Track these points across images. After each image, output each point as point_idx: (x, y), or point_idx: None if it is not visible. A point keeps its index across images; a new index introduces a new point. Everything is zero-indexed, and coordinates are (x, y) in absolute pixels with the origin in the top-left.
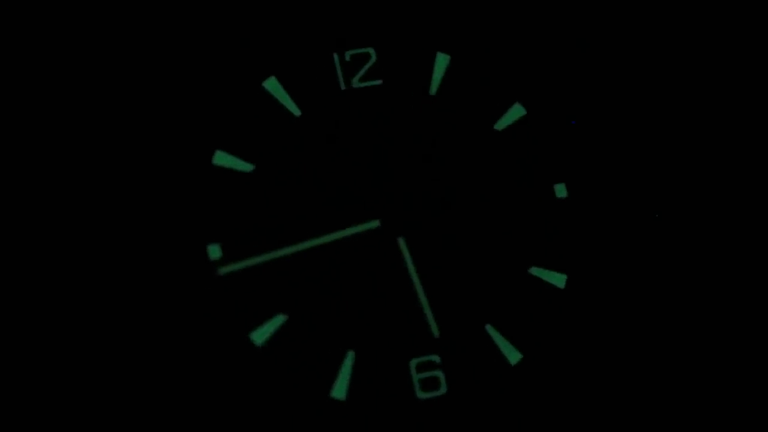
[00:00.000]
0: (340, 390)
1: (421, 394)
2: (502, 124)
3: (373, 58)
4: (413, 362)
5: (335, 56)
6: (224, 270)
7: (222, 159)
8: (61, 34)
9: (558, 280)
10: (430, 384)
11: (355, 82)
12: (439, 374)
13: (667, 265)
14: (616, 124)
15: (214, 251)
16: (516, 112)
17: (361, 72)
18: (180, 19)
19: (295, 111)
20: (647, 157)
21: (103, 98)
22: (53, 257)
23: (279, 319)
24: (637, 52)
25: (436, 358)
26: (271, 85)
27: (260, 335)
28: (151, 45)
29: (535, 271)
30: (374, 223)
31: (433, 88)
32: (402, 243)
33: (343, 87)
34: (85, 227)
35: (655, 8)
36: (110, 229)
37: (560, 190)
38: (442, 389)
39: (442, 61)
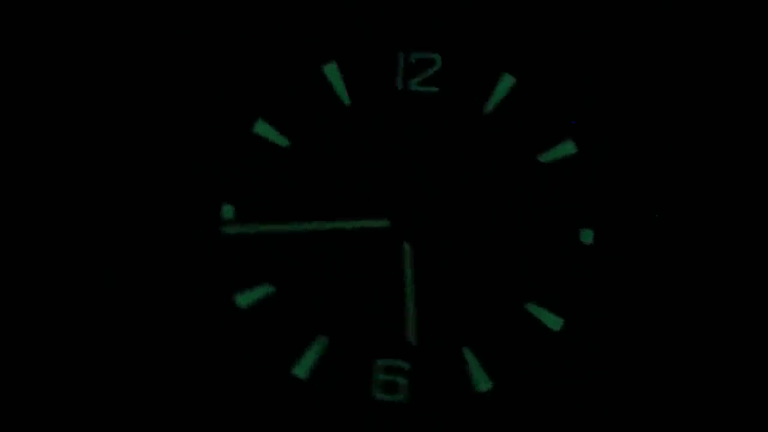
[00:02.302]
0: (302, 369)
1: (379, 395)
2: (547, 157)
3: (438, 65)
4: (381, 362)
5: (401, 55)
6: (229, 230)
7: (262, 128)
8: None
9: (554, 322)
10: (390, 387)
11: (413, 85)
12: (403, 381)
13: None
14: (659, 181)
15: (228, 211)
16: (566, 148)
17: (422, 76)
18: None
19: (346, 100)
20: (680, 218)
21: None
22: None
23: (266, 289)
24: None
25: (404, 365)
26: (330, 70)
27: (245, 299)
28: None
29: (532, 308)
30: (384, 222)
31: (489, 107)
32: (407, 248)
33: (400, 87)
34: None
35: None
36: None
37: (587, 236)
38: (401, 396)
39: (505, 82)
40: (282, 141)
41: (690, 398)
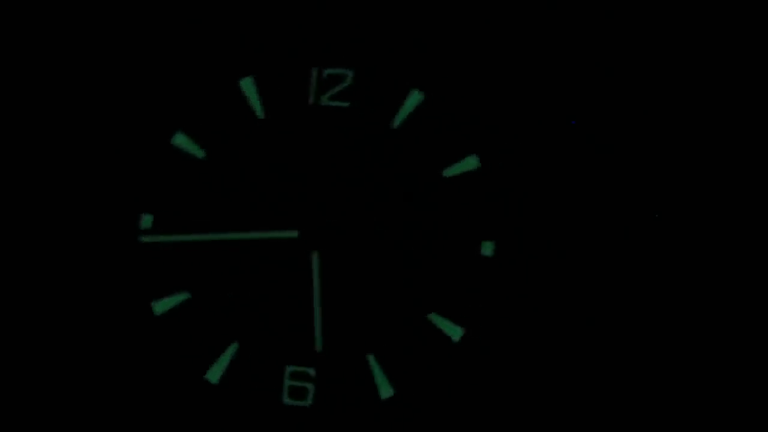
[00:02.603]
0: (214, 374)
1: (287, 400)
2: (451, 171)
3: (349, 81)
4: (289, 369)
5: (314, 70)
6: (147, 238)
7: (180, 140)
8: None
9: (454, 332)
10: (298, 393)
11: (324, 100)
12: (310, 387)
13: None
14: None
15: (146, 220)
16: (469, 163)
17: (333, 91)
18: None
19: (260, 113)
20: (596, 234)
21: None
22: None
23: (182, 296)
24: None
25: (311, 371)
26: (246, 84)
27: (161, 306)
28: (143, 30)
29: (434, 317)
30: (293, 233)
31: (397, 122)
32: (315, 258)
33: (312, 101)
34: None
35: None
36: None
37: (487, 248)
38: (308, 401)
39: (414, 98)
40: (199, 152)
41: (590, 405)
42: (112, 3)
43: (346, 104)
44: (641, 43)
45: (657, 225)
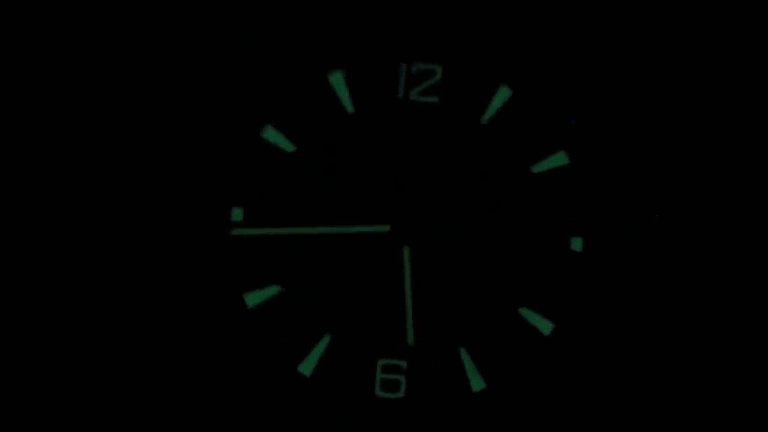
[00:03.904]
0: (307, 366)
1: (380, 393)
2: (540, 167)
3: (438, 76)
4: (381, 362)
5: (403, 65)
6: (238, 232)
7: (270, 134)
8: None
9: (544, 326)
10: (390, 386)
11: (414, 95)
12: (402, 379)
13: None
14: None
15: (237, 214)
16: (558, 159)
17: (422, 86)
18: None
19: (350, 108)
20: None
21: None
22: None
23: (273, 289)
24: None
25: (403, 364)
26: (336, 79)
27: (253, 298)
28: (235, 21)
29: (524, 312)
30: (385, 228)
31: (486, 118)
32: (406, 252)
33: (401, 96)
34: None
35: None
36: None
37: (576, 244)
38: (400, 393)
39: (502, 94)
40: (288, 146)
41: (679, 401)
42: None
43: (435, 99)
44: (724, 37)
45: (747, 221)
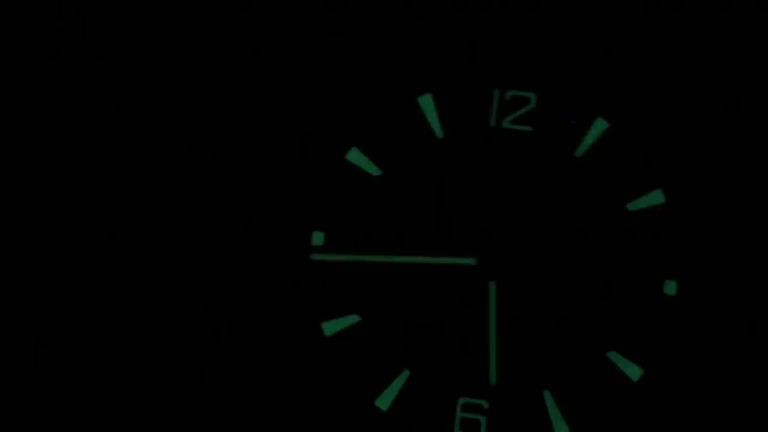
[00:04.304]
0: (384, 401)
1: None
2: (636, 205)
3: (532, 104)
4: (462, 400)
5: (496, 92)
6: (318, 257)
7: (355, 157)
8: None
9: (633, 371)
10: (470, 426)
11: (506, 123)
12: (482, 420)
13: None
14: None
15: (318, 238)
16: (654, 198)
17: (515, 114)
18: (359, 20)
19: (439, 133)
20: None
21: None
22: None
23: (353, 318)
24: None
25: (484, 404)
26: (425, 101)
27: (331, 327)
28: (325, 40)
29: (612, 356)
30: (471, 260)
31: (581, 150)
32: (492, 287)
33: (493, 123)
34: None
35: None
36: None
37: (670, 288)
38: None
39: (599, 126)
40: (374, 170)
41: None
42: (295, 17)
43: (528, 128)
44: None
45: None
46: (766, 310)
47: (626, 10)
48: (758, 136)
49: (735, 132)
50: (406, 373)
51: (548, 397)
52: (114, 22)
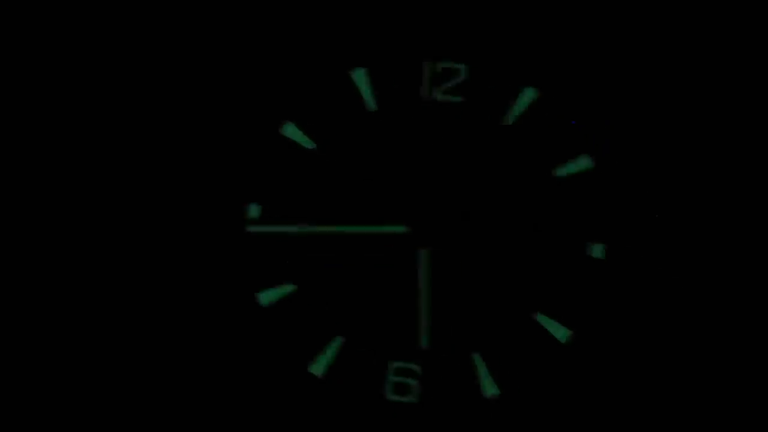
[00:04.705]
0: (318, 367)
1: (391, 396)
2: (563, 171)
3: (462, 75)
4: (393, 364)
5: (427, 64)
6: (254, 229)
7: (290, 131)
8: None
9: (561, 333)
10: (402, 389)
11: (437, 94)
12: (414, 383)
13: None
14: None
15: (254, 210)
16: (582, 163)
17: (446, 85)
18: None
19: (372, 106)
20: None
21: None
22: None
23: (288, 288)
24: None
25: (416, 368)
26: (359, 75)
27: (267, 297)
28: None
29: (540, 318)
30: (402, 229)
31: (510, 119)
32: (423, 254)
33: (424, 95)
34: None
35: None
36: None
37: (597, 250)
38: (412, 397)
39: (527, 95)
40: (308, 143)
41: (696, 410)
42: None
43: (458, 99)
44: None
45: None
46: (690, 272)
47: None
48: (683, 98)
49: (660, 97)
50: (339, 340)
51: (478, 360)
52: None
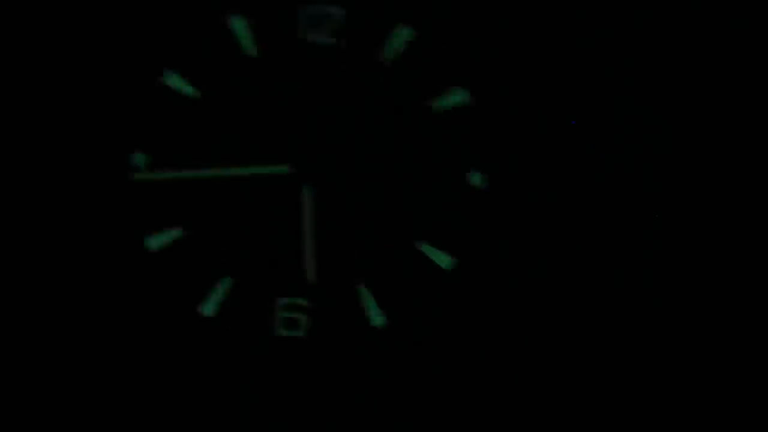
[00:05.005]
0: (209, 308)
1: (281, 331)
2: (440, 104)
3: (338, 18)
4: (282, 300)
5: (302, 8)
6: (139, 177)
7: (172, 80)
8: None
9: (444, 261)
10: (291, 324)
11: (314, 36)
12: (303, 317)
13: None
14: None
15: (139, 158)
16: (457, 96)
17: (322, 27)
18: None
19: (251, 51)
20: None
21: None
22: None
23: (175, 232)
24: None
25: (304, 302)
26: (237, 23)
27: (155, 242)
28: None
29: (424, 247)
30: (285, 168)
31: (385, 57)
32: (306, 191)
33: (300, 38)
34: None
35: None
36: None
37: (475, 179)
38: (302, 331)
39: (402, 34)
40: (191, 91)
41: (578, 337)
42: None
43: (335, 41)
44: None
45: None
46: (565, 199)
47: None
48: (555, 29)
49: (534, 31)
50: (228, 280)
51: (364, 291)
52: None
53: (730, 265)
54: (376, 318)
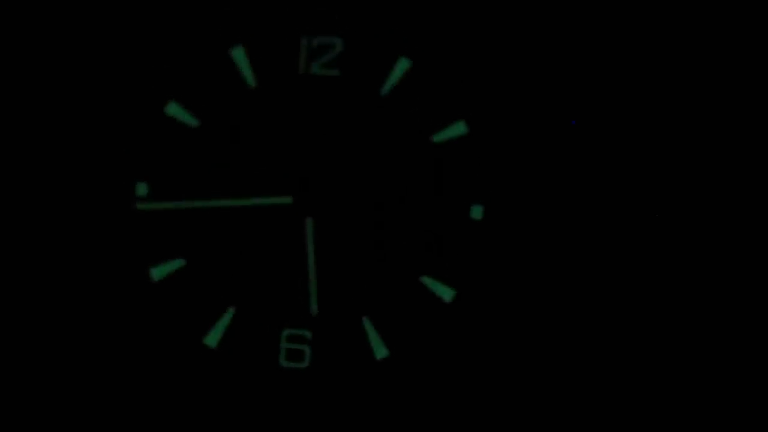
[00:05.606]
0: (213, 339)
1: (284, 363)
2: (440, 137)
3: (338, 49)
4: (286, 332)
5: (304, 39)
6: (142, 206)
7: (174, 110)
8: None
9: (446, 293)
10: (295, 355)
11: (315, 68)
12: (306, 349)
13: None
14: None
15: (142, 188)
16: (457, 129)
17: (323, 59)
18: None
19: (252, 82)
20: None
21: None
22: None
23: (178, 263)
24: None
25: (307, 334)
26: (238, 53)
27: (159, 272)
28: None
29: (426, 280)
30: (287, 199)
31: (385, 90)
32: (309, 223)
33: (302, 70)
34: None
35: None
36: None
37: (476, 212)
38: (305, 363)
39: (402, 65)
40: (192, 121)
41: (579, 364)
42: None
43: (336, 72)
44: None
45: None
46: (564, 230)
47: None
48: (556, 63)
49: (530, 62)
50: (231, 311)
51: (367, 323)
52: None
53: (730, 270)
54: (379, 350)
